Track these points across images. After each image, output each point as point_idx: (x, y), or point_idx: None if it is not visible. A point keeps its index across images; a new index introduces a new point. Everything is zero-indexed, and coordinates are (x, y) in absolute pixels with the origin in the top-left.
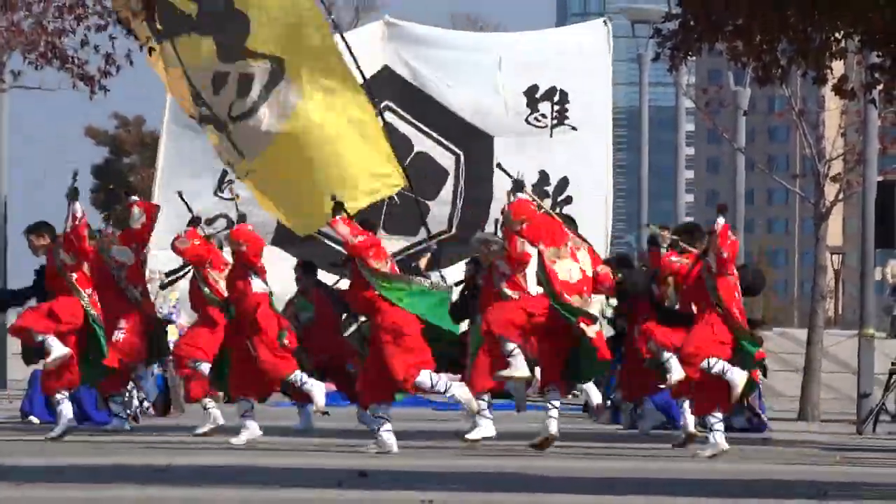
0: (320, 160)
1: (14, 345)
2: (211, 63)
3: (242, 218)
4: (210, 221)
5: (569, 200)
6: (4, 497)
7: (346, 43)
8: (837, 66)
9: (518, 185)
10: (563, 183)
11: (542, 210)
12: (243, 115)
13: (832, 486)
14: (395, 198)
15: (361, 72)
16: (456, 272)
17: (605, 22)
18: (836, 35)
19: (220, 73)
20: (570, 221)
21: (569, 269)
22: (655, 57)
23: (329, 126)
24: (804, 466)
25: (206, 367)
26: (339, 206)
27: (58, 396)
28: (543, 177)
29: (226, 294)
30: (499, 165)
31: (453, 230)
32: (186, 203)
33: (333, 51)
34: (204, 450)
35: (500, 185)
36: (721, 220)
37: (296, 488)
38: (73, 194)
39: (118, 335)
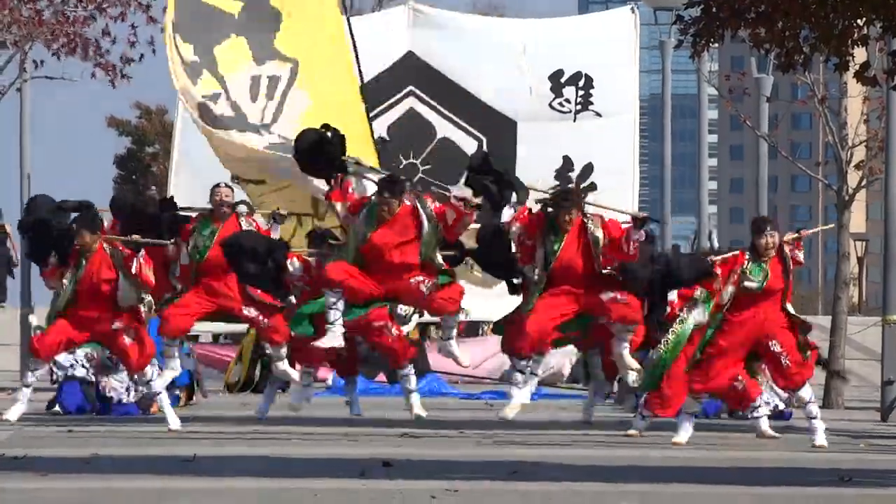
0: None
1: None
2: (248, 67)
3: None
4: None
5: (593, 187)
6: (31, 487)
7: (354, 41)
8: (860, 53)
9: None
10: (588, 169)
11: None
12: (269, 124)
13: (856, 473)
14: (417, 184)
15: (361, 72)
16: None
17: (632, 9)
18: (858, 21)
19: (255, 76)
20: None
21: None
22: (678, 44)
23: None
24: (828, 454)
25: None
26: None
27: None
28: (567, 162)
29: None
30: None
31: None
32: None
33: (344, 58)
34: (227, 440)
35: (523, 169)
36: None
37: (319, 478)
38: None
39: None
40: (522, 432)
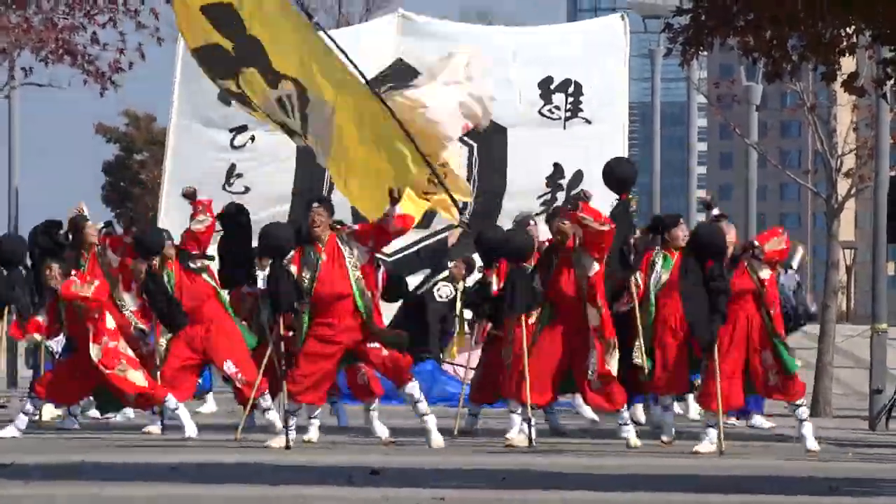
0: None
1: (24, 343)
2: (268, 92)
3: None
4: (220, 217)
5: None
6: (15, 495)
7: (333, 40)
8: (848, 62)
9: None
10: (578, 176)
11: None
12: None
13: (844, 482)
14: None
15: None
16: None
17: (622, 17)
18: (847, 30)
19: (278, 98)
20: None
21: None
22: (667, 52)
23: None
24: (816, 462)
25: None
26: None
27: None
28: (558, 170)
29: None
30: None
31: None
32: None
33: (330, 57)
34: (214, 448)
35: (513, 177)
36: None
37: (307, 486)
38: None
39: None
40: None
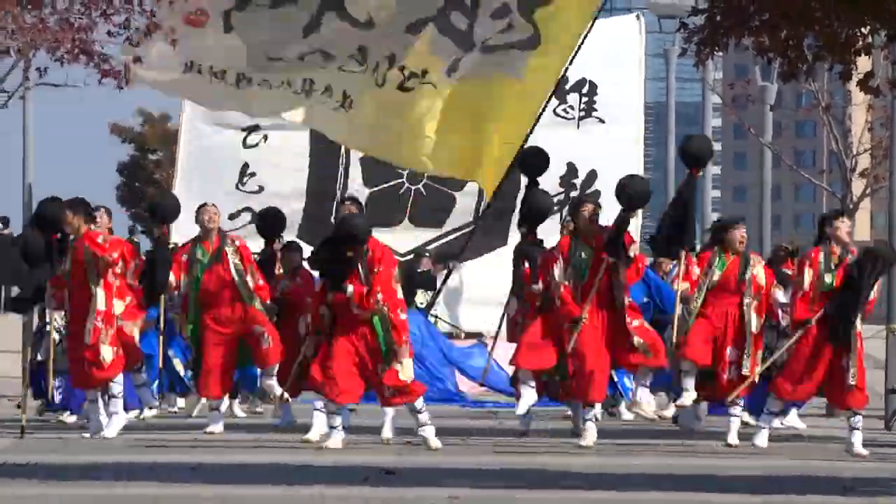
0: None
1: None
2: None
3: None
4: (234, 216)
5: (598, 194)
6: (31, 494)
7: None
8: (864, 62)
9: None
10: (592, 176)
11: None
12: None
13: (859, 482)
14: (422, 189)
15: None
16: (481, 263)
17: (637, 17)
18: (862, 30)
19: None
20: None
21: None
22: (682, 52)
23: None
24: (832, 462)
25: None
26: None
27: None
28: (571, 169)
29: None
30: None
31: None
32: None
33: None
34: (230, 448)
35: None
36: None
37: (322, 485)
38: None
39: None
40: (525, 440)
